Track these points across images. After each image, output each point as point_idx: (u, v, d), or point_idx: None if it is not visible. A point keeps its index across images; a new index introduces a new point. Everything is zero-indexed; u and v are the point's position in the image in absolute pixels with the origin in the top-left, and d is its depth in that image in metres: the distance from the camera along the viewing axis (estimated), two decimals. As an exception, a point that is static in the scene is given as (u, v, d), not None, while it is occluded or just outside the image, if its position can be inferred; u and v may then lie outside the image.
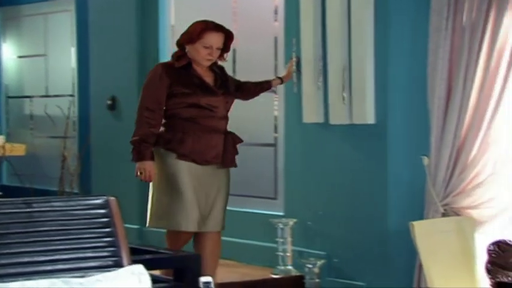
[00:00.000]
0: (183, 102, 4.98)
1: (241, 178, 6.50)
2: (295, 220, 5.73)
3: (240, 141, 5.16)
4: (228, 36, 5.08)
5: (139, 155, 4.96)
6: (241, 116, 6.53)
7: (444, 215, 4.88)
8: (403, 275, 5.10)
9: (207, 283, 3.51)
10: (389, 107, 5.24)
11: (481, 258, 4.60)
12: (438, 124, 4.94)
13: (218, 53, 5.05)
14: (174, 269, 3.72)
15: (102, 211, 2.98)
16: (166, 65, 5.11)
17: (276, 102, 6.37)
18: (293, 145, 5.98)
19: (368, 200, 5.36)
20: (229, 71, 6.43)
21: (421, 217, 4.95)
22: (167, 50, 6.96)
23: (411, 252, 5.02)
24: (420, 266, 4.93)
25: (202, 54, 4.99)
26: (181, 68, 5.02)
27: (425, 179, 4.97)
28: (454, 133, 4.87)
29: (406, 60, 5.24)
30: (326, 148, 5.65)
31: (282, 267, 5.71)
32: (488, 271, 3.78)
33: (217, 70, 5.15)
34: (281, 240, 5.71)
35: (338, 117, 5.46)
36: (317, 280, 5.48)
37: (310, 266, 5.51)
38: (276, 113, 6.38)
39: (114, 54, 7.52)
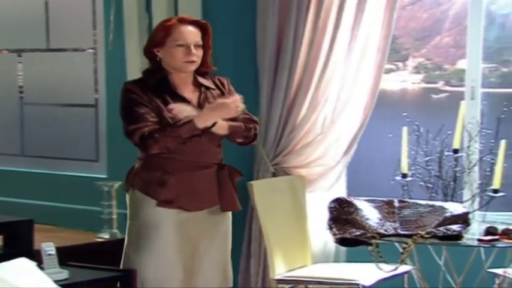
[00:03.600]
0: None
1: (60, 140, 6.29)
2: (120, 182, 5.59)
3: (240, 175, 3.95)
4: (205, 30, 3.86)
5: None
6: (58, 75, 6.31)
7: (274, 174, 4.93)
8: (233, 235, 5.09)
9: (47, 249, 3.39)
10: (218, 66, 5.15)
11: (312, 215, 4.75)
12: (268, 84, 4.96)
13: (200, 52, 3.81)
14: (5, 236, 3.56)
15: None
16: (137, 82, 3.85)
17: (96, 61, 6.15)
18: (116, 105, 5.80)
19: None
20: (41, 31, 6.16)
21: (250, 177, 4.97)
22: None
23: (241, 212, 5.03)
24: (251, 222, 4.98)
25: (178, 56, 3.76)
26: (157, 84, 3.78)
27: (255, 141, 4.98)
28: (284, 93, 4.91)
29: (234, 20, 5.20)
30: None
31: (108, 231, 5.58)
32: (330, 228, 3.85)
33: (210, 84, 3.92)
34: (106, 203, 5.56)
35: (164, 77, 5.36)
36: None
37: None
38: (96, 72, 6.17)
39: None
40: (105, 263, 5.11)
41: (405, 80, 5.65)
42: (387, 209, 4.03)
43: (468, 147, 4.39)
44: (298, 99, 4.87)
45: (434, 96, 5.77)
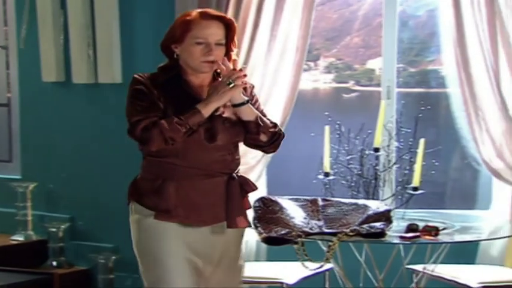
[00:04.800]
0: None
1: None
2: (35, 183, 5.49)
3: (254, 188, 3.50)
4: (228, 25, 3.39)
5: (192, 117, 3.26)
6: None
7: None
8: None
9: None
10: (137, 65, 5.14)
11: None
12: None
13: (221, 51, 3.35)
14: None
15: None
16: (149, 76, 3.40)
17: (8, 60, 6.00)
18: (30, 105, 5.71)
19: (117, 161, 5.25)
20: None
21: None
22: None
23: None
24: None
25: (196, 54, 3.32)
26: (168, 81, 3.38)
27: (175, 139, 4.96)
28: (204, 92, 4.89)
29: (153, 17, 5.16)
30: (68, 108, 5.45)
31: (22, 233, 5.47)
32: (256, 227, 3.84)
33: None
34: (20, 204, 5.46)
35: (81, 76, 5.28)
36: (61, 244, 5.33)
37: (53, 229, 5.34)
38: (9, 70, 6.02)
39: None
40: (20, 266, 5.03)
41: (317, 80, 5.71)
42: (311, 207, 4.05)
43: (388, 146, 4.46)
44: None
45: (345, 95, 5.86)
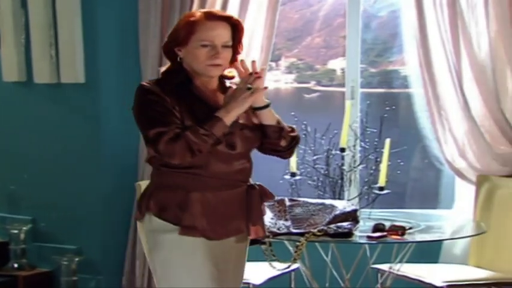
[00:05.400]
0: None
1: None
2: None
3: (271, 197, 3.30)
4: (235, 26, 3.15)
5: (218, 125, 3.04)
6: None
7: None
8: (118, 236, 5.05)
9: None
10: (101, 65, 5.11)
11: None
12: (152, 83, 4.90)
13: (228, 53, 3.12)
14: None
15: None
16: (155, 82, 3.13)
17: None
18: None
19: (80, 162, 5.20)
20: None
21: (135, 177, 4.92)
22: None
23: (126, 213, 4.99)
24: (135, 223, 4.91)
25: (201, 58, 3.08)
26: (178, 87, 3.12)
27: (139, 140, 4.93)
28: (169, 92, 4.87)
29: (116, 17, 5.12)
30: (30, 108, 5.39)
31: None
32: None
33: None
34: (-19, 206, 5.40)
35: (43, 76, 5.22)
36: (23, 246, 5.27)
37: (15, 231, 5.28)
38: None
39: None
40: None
41: (278, 80, 5.72)
42: (278, 208, 4.05)
43: (354, 146, 4.48)
44: (183, 98, 4.85)
45: (306, 96, 5.88)
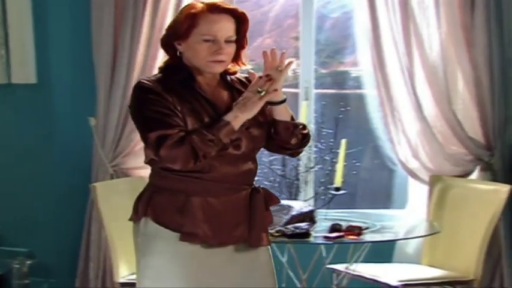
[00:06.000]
0: None
1: None
2: None
3: (276, 201, 3.05)
4: (240, 19, 2.91)
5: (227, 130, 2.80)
6: None
7: (113, 176, 4.84)
8: (71, 238, 4.99)
9: None
10: (52, 65, 5.03)
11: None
12: (105, 83, 4.86)
13: (232, 48, 2.88)
14: None
15: None
16: (155, 80, 2.87)
17: None
18: None
19: (32, 163, 5.12)
20: None
21: (89, 179, 4.87)
22: None
23: (79, 214, 4.94)
24: (89, 224, 4.89)
25: (203, 53, 2.84)
26: (180, 84, 2.87)
27: (92, 140, 4.88)
28: (123, 92, 4.83)
29: (68, 15, 5.04)
30: (-21, 109, 5.29)
31: None
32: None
33: (242, 87, 2.96)
34: None
35: (-7, 76, 5.14)
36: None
37: (-35, 235, 5.19)
38: None
39: None
40: None
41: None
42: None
43: (309, 146, 4.49)
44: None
45: (258, 96, 5.86)
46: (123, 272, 4.38)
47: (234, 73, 2.98)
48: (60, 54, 5.04)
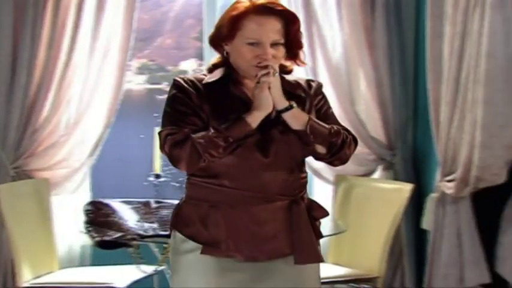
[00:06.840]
0: None
1: None
2: None
3: (325, 214, 2.82)
4: (290, 20, 2.73)
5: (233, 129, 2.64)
6: None
7: (15, 178, 4.72)
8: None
9: None
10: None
11: (59, 218, 4.67)
12: (5, 82, 4.75)
13: (279, 52, 2.71)
14: None
15: None
16: (191, 79, 2.75)
17: None
18: None
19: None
20: None
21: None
22: None
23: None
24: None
25: (247, 57, 2.69)
26: (215, 85, 2.74)
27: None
28: (24, 93, 4.73)
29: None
30: None
31: None
32: (88, 231, 3.76)
33: (300, 92, 2.81)
34: None
35: None
36: None
37: None
38: None
39: None
40: None
41: (130, 81, 5.68)
42: (144, 210, 4.03)
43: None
44: (39, 99, 4.73)
45: (158, 97, 5.86)
46: (27, 276, 4.28)
47: (290, 71, 2.83)
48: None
